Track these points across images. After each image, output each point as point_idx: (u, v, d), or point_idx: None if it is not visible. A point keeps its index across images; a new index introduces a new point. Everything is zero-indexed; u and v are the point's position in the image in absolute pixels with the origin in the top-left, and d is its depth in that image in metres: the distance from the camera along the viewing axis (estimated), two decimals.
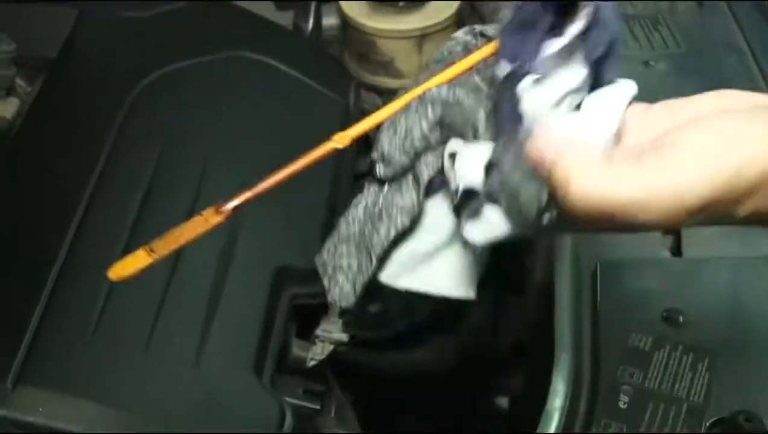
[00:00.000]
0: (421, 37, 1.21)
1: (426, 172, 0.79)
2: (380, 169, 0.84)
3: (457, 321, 1.11)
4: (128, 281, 0.59)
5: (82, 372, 0.74)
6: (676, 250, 0.84)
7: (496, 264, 1.10)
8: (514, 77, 0.61)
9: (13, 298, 0.77)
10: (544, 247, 1.06)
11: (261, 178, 0.61)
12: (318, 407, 0.85)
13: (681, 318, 0.76)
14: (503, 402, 1.20)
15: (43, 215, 0.84)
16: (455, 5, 1.23)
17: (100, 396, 0.73)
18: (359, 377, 1.11)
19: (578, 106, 0.61)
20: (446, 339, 1.13)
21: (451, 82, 0.76)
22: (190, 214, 0.84)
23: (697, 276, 0.80)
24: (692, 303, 0.78)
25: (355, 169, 1.05)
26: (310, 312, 0.90)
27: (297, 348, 0.88)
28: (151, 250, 0.56)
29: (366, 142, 1.27)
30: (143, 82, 0.97)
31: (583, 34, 0.60)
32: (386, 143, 0.83)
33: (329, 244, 0.86)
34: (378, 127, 0.79)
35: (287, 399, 0.80)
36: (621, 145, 0.58)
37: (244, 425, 0.76)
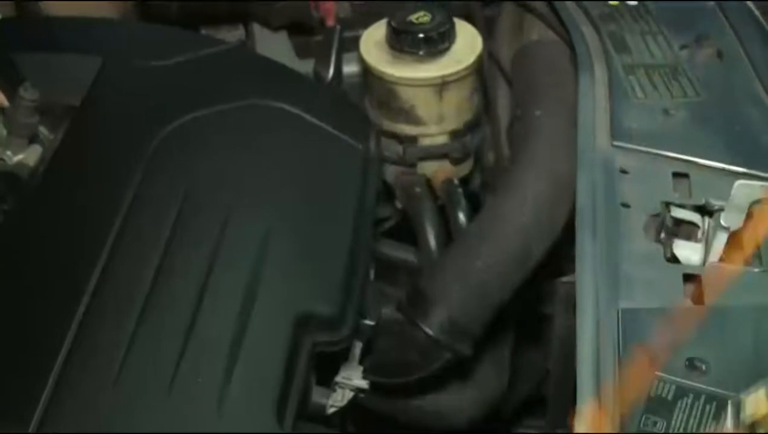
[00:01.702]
0: (442, 84, 1.22)
1: None
2: None
3: (475, 370, 1.11)
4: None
5: (104, 419, 0.74)
6: (698, 299, 0.83)
7: (513, 313, 1.10)
8: None
9: (35, 346, 0.78)
10: (563, 295, 1.06)
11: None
12: None
13: (704, 367, 0.76)
14: None
15: (66, 261, 0.85)
16: (475, 54, 1.24)
17: None
18: (378, 424, 1.11)
19: None
20: (464, 388, 1.13)
21: None
22: (212, 260, 0.85)
23: (719, 324, 0.80)
24: (715, 351, 0.77)
25: (375, 216, 1.05)
26: (330, 359, 0.90)
27: (317, 395, 0.88)
28: None
29: (388, 191, 1.28)
30: (165, 130, 0.98)
31: None
32: None
33: None
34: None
35: None
36: None
37: None
